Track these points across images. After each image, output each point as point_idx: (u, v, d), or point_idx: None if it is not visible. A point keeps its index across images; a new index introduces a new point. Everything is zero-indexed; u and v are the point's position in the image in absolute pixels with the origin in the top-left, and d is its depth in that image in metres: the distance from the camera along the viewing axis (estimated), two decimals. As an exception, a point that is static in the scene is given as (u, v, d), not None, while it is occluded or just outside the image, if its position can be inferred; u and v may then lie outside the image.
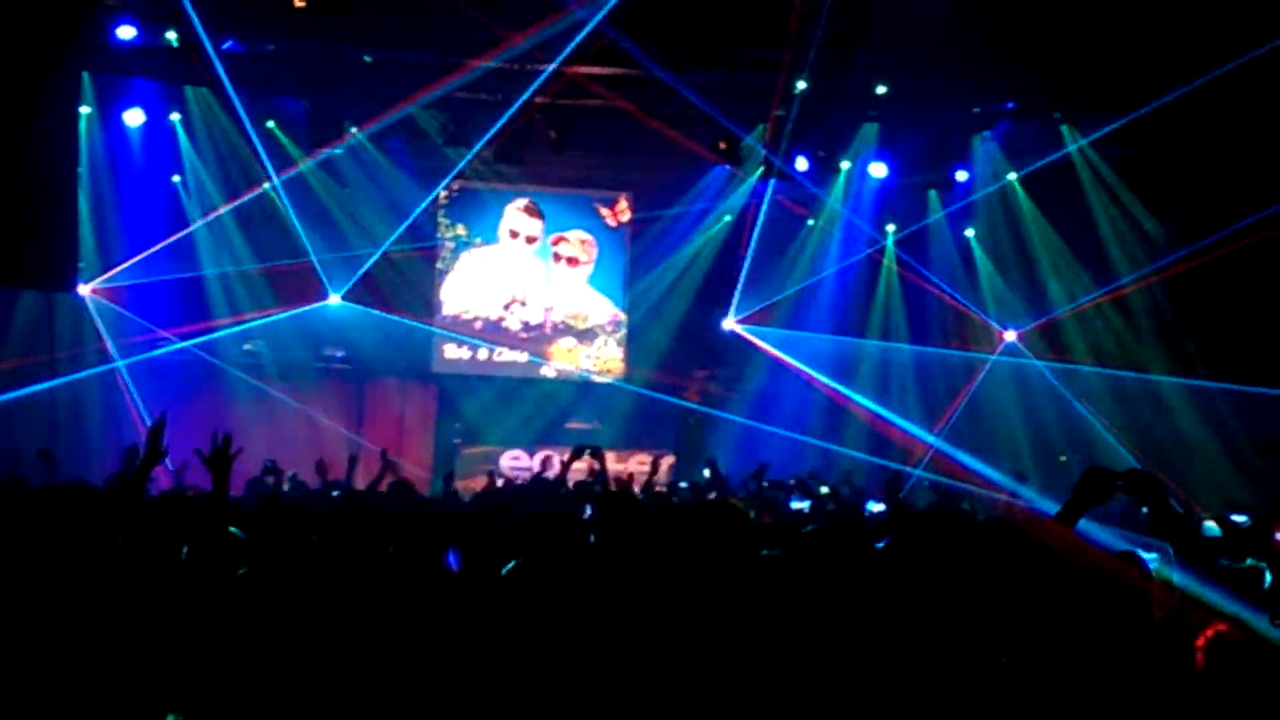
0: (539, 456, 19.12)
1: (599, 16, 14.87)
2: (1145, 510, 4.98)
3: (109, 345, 17.63)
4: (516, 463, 19.21)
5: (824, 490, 13.01)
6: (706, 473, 14.68)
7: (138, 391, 17.43)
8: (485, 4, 14.78)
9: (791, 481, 13.39)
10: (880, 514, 11.18)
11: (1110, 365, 18.38)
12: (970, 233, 19.98)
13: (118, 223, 17.91)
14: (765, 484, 13.35)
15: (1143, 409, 17.89)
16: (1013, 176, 18.92)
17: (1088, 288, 18.44)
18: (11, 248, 12.86)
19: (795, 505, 11.32)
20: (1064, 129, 18.05)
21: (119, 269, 17.89)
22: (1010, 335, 19.62)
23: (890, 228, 20.21)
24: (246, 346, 19.43)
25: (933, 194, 19.82)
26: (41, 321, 16.81)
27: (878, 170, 18.87)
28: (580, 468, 12.63)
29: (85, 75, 16.08)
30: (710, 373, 20.34)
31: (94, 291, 17.61)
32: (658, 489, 14.61)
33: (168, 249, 18.35)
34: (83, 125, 16.37)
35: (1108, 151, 17.74)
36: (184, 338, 18.79)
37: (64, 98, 13.85)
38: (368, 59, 16.62)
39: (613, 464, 17.66)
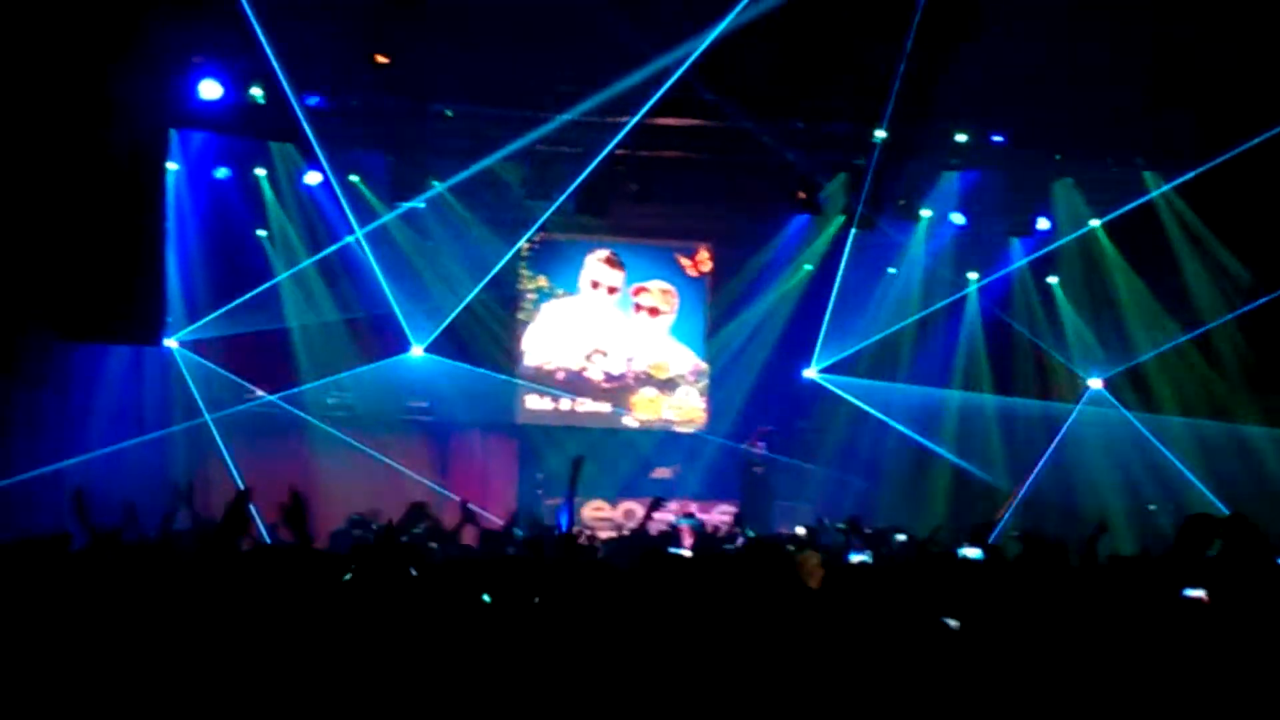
0: (622, 508, 19.11)
1: (681, 69, 14.95)
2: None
3: (196, 398, 17.83)
4: (599, 514, 19.18)
5: (900, 538, 12.78)
6: (801, 530, 14.43)
7: (225, 445, 17.60)
8: (565, 57, 14.90)
9: (868, 531, 13.15)
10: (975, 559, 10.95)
11: (1196, 413, 18.14)
12: (1053, 280, 19.80)
13: (205, 277, 18.15)
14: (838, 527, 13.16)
15: (1229, 458, 17.61)
16: (1095, 223, 18.76)
17: (1173, 334, 18.23)
18: (102, 303, 13.05)
19: (854, 558, 11.08)
20: (1146, 175, 17.88)
21: (205, 322, 18.11)
22: (1095, 383, 19.41)
23: (972, 275, 20.08)
24: (331, 400, 19.56)
25: (1014, 241, 19.67)
26: (130, 375, 16.99)
27: (959, 218, 18.81)
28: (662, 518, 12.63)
29: (172, 132, 16.32)
30: (768, 430, 20.17)
31: (181, 345, 17.82)
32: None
33: (253, 302, 18.55)
34: (170, 181, 16.61)
35: (1191, 197, 17.56)
36: (270, 391, 19.02)
37: (152, 155, 14.04)
38: (449, 113, 16.77)
39: (695, 514, 17.66)
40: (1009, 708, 4.36)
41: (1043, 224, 18.99)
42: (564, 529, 9.78)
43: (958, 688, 4.38)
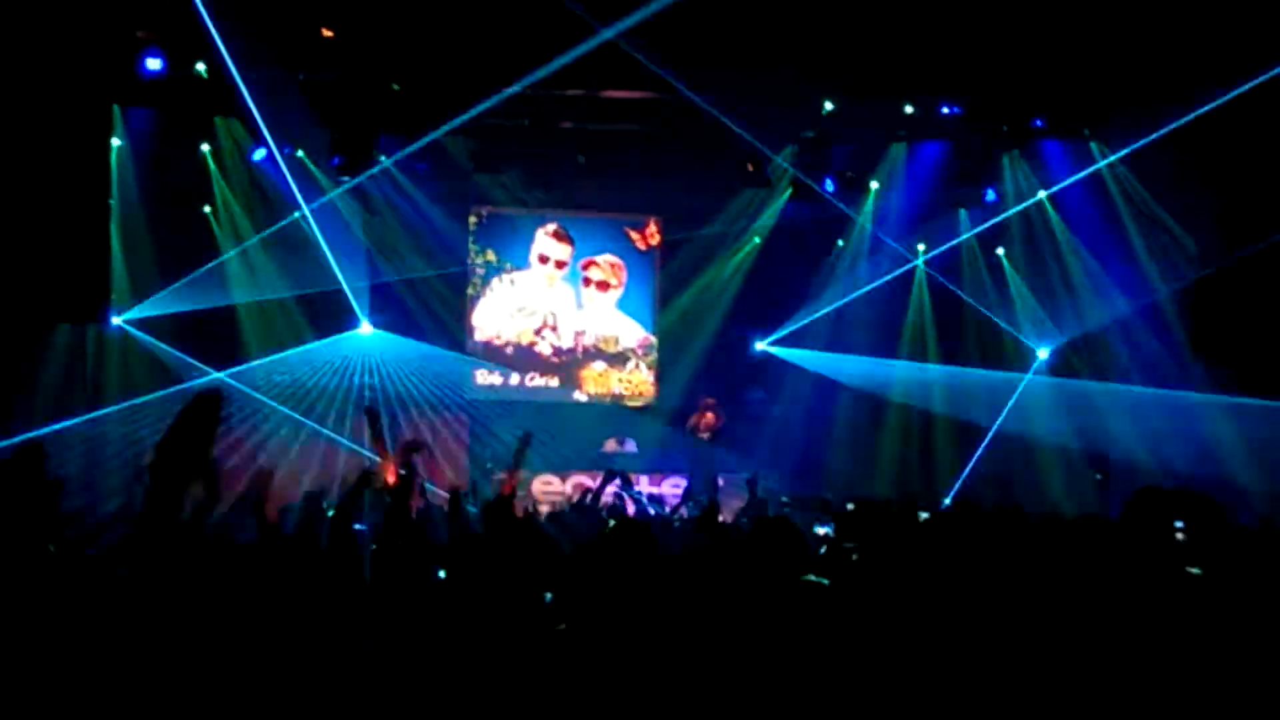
0: (571, 482, 19.08)
1: (621, 37, 14.87)
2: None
3: (141, 375, 17.70)
4: (549, 488, 19.12)
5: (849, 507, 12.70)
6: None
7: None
8: (511, 29, 14.82)
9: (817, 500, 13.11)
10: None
11: (1143, 382, 18.26)
12: (1001, 251, 19.89)
13: (149, 254, 17.99)
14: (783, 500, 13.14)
15: (1174, 425, 17.74)
16: (1043, 194, 18.86)
17: (1121, 304, 18.34)
18: (44, 281, 12.93)
19: (820, 530, 11.01)
20: (1093, 145, 17.97)
21: (150, 299, 17.96)
22: (1043, 353, 19.53)
23: (920, 247, 20.15)
24: (280, 377, 19.44)
25: (962, 213, 19.75)
26: (75, 353, 16.83)
27: (907, 190, 18.89)
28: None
29: (115, 108, 16.16)
30: (711, 401, 20.11)
31: (126, 322, 17.67)
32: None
33: (199, 279, 18.42)
34: (114, 157, 16.45)
35: (1137, 166, 17.66)
36: (216, 368, 18.88)
37: (94, 130, 13.91)
38: (395, 87, 16.67)
39: (646, 488, 17.68)
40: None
41: (990, 195, 19.08)
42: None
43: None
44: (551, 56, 15.30)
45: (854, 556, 5.56)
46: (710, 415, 19.67)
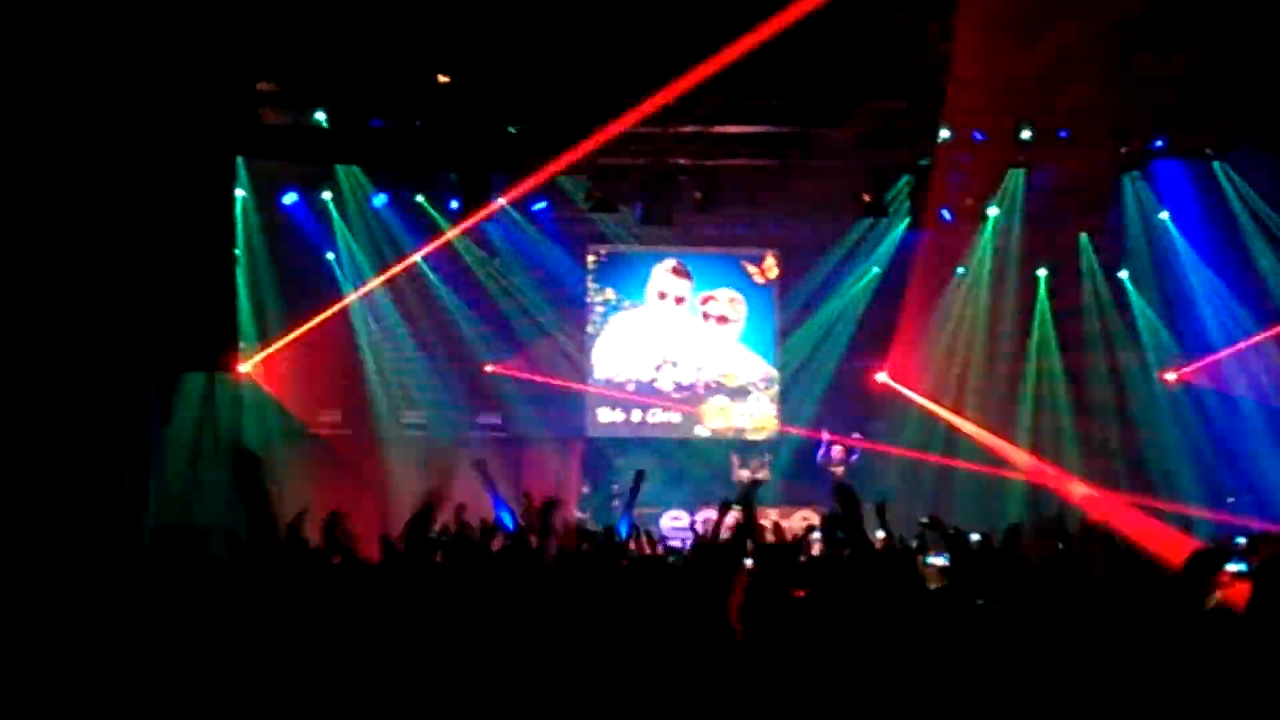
0: (702, 515, 19.03)
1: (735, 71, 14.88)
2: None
3: (269, 422, 18.02)
4: (677, 523, 19.07)
5: (974, 538, 12.43)
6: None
7: (299, 467, 17.76)
8: (624, 69, 14.89)
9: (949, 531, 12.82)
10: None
11: (1274, 403, 17.92)
12: (1124, 274, 19.59)
13: (275, 302, 18.34)
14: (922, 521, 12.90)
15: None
16: (1165, 216, 18.57)
17: (1248, 326, 18.02)
18: (173, 332, 13.15)
19: (933, 561, 10.76)
20: (1215, 165, 17.68)
21: (276, 346, 18.28)
22: (1170, 376, 19.19)
23: (1041, 273, 19.92)
24: (405, 418, 19.67)
25: (1083, 237, 19.50)
26: (205, 402, 17.14)
27: (1027, 216, 18.70)
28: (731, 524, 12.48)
29: (239, 159, 16.46)
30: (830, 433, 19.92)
31: (254, 369, 17.98)
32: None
33: (323, 324, 18.74)
34: (239, 208, 16.77)
35: (1261, 186, 17.36)
36: (343, 412, 19.18)
37: (219, 182, 14.15)
38: (511, 129, 16.82)
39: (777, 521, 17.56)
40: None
41: (1112, 219, 18.82)
42: (624, 537, 9.77)
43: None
44: (664, 94, 15.34)
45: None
46: (839, 449, 19.54)
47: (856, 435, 19.73)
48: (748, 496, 6.56)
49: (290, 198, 18.16)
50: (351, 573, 6.02)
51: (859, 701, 4.36)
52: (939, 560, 10.34)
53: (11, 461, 11.52)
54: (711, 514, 18.26)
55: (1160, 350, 19.27)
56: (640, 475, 11.06)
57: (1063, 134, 17.23)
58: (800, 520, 18.04)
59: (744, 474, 20.29)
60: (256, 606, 4.86)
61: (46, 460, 12.12)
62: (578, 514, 17.30)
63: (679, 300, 20.74)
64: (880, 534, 10.39)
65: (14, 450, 11.62)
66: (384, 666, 4.75)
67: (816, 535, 11.16)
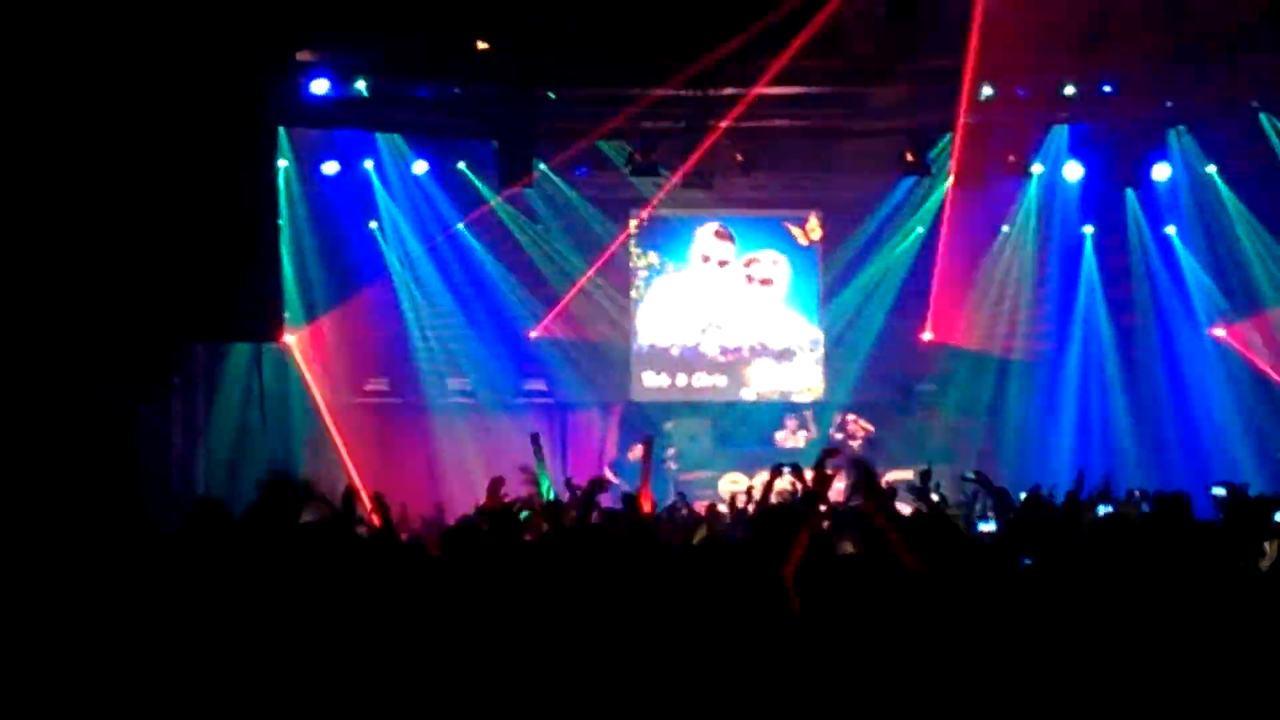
0: (759, 478, 18.98)
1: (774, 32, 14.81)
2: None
3: (314, 391, 18.12)
4: (735, 485, 18.97)
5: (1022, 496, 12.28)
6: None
7: (345, 437, 17.92)
8: (663, 33, 14.83)
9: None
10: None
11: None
12: (1171, 230, 19.40)
13: (319, 271, 18.43)
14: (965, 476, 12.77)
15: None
16: (1212, 170, 18.40)
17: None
18: (219, 303, 13.21)
19: (983, 528, 10.64)
20: (1263, 117, 17.45)
21: (322, 316, 18.38)
22: (1219, 332, 19.01)
23: (1087, 229, 19.78)
24: (451, 385, 19.74)
25: (1130, 193, 19.32)
26: (250, 372, 17.23)
27: (1072, 172, 18.51)
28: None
29: (282, 130, 16.49)
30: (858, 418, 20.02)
31: (299, 340, 18.06)
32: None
33: (368, 293, 18.84)
34: (281, 178, 16.83)
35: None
36: (389, 380, 19.27)
37: (262, 153, 14.17)
38: (551, 95, 16.79)
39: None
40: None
41: (1158, 174, 18.60)
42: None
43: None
44: (705, 57, 15.27)
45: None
46: (856, 426, 19.62)
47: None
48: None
49: (332, 167, 18.18)
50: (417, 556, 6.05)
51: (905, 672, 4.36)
52: (988, 526, 10.29)
53: (60, 438, 11.61)
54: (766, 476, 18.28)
55: (1209, 307, 19.07)
56: (649, 441, 11.14)
57: (1106, 89, 17.04)
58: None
59: (779, 436, 20.29)
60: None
61: (96, 434, 12.23)
62: (621, 481, 17.23)
63: (722, 263, 20.69)
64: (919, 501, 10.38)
65: (63, 426, 11.72)
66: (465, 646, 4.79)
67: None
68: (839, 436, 19.75)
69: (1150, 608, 4.39)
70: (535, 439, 11.25)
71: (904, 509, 7.71)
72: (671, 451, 19.69)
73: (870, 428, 20.04)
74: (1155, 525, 6.56)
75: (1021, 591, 4.79)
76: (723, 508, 13.44)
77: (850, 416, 20.19)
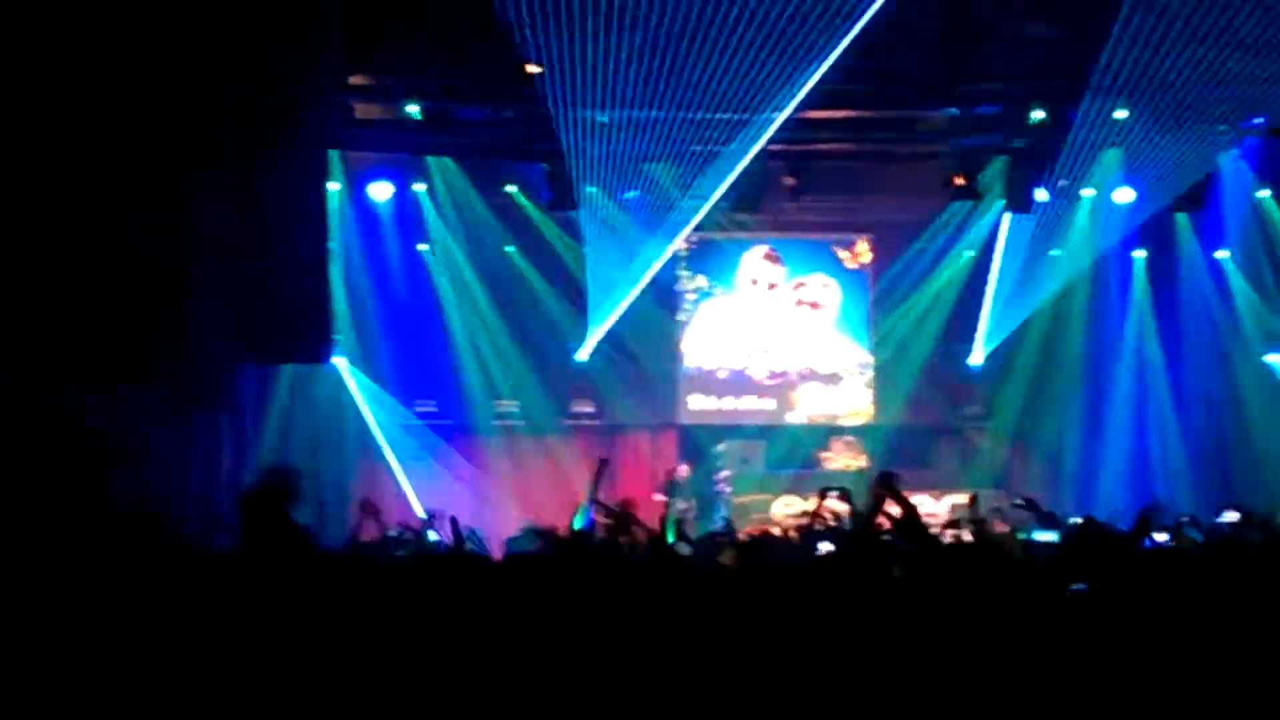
0: (811, 502, 18.84)
1: (829, 60, 14.83)
2: None
3: (366, 413, 18.22)
4: (789, 509, 18.91)
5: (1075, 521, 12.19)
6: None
7: (397, 457, 18.02)
8: (714, 56, 14.84)
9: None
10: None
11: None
12: (1223, 254, 19.27)
13: (370, 293, 18.55)
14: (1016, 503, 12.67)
15: None
16: (1265, 194, 18.27)
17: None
18: (270, 324, 13.30)
19: (1040, 536, 10.55)
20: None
21: (373, 338, 18.49)
22: (1273, 358, 18.84)
23: (1138, 254, 19.67)
24: (499, 407, 19.78)
25: (1181, 217, 19.20)
26: (301, 395, 17.33)
27: (1123, 196, 18.39)
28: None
29: (333, 153, 16.60)
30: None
31: (350, 362, 18.15)
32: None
33: (418, 315, 18.94)
34: (333, 201, 16.93)
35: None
36: (438, 401, 19.35)
37: (314, 177, 14.27)
38: (602, 119, 16.83)
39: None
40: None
41: (1208, 198, 18.48)
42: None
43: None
44: (755, 79, 15.27)
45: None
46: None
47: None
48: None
49: (383, 189, 18.29)
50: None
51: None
52: (1047, 535, 10.17)
53: (109, 458, 11.68)
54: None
55: (1264, 333, 18.89)
56: (603, 463, 11.09)
57: (1159, 113, 16.95)
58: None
59: (826, 456, 20.14)
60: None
61: (145, 453, 12.30)
62: (680, 504, 17.19)
63: (771, 286, 20.68)
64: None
65: (112, 448, 11.79)
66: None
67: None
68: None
69: (1215, 641, 4.37)
70: (603, 464, 11.19)
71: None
72: (725, 474, 19.59)
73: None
74: (1215, 559, 6.52)
75: (1076, 618, 4.76)
76: (776, 531, 13.43)
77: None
